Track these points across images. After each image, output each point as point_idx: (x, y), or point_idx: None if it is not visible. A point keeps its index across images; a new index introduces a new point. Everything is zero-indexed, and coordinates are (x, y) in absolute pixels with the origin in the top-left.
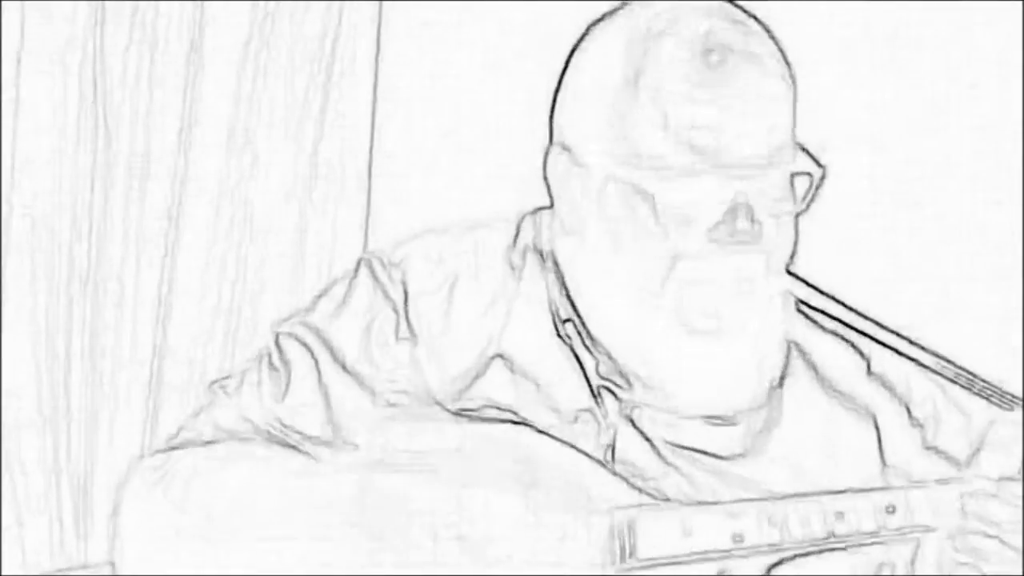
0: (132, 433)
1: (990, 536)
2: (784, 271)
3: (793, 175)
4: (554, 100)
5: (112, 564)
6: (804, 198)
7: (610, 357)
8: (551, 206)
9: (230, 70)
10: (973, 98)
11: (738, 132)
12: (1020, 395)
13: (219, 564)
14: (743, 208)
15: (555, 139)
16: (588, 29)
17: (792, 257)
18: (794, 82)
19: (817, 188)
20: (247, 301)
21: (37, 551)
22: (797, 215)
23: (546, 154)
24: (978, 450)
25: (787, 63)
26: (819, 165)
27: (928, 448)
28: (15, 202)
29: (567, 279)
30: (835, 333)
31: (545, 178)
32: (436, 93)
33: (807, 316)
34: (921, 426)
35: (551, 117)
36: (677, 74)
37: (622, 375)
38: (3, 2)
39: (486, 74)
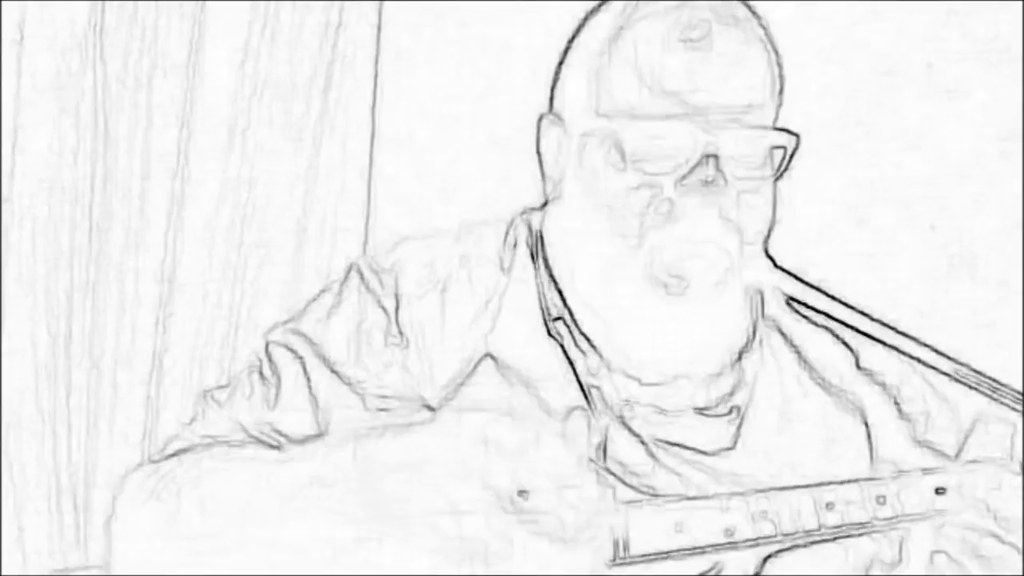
0: (132, 433)
1: (990, 534)
2: (761, 257)
3: (772, 148)
4: (554, 82)
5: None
6: (778, 167)
7: (596, 351)
8: (543, 206)
9: (230, 70)
10: (973, 96)
11: (711, 80)
12: (1015, 387)
13: (214, 568)
14: (712, 158)
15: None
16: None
17: (767, 240)
18: (781, 75)
19: (791, 157)
20: (247, 301)
21: (37, 551)
22: (775, 198)
23: (538, 125)
24: (965, 441)
25: (776, 54)
26: (792, 134)
27: (919, 442)
28: (15, 202)
29: (556, 273)
30: (825, 328)
31: (538, 152)
32: (436, 93)
33: (797, 311)
34: (911, 420)
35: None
36: (657, 28)
37: (608, 368)
38: (3, 2)
39: (486, 74)
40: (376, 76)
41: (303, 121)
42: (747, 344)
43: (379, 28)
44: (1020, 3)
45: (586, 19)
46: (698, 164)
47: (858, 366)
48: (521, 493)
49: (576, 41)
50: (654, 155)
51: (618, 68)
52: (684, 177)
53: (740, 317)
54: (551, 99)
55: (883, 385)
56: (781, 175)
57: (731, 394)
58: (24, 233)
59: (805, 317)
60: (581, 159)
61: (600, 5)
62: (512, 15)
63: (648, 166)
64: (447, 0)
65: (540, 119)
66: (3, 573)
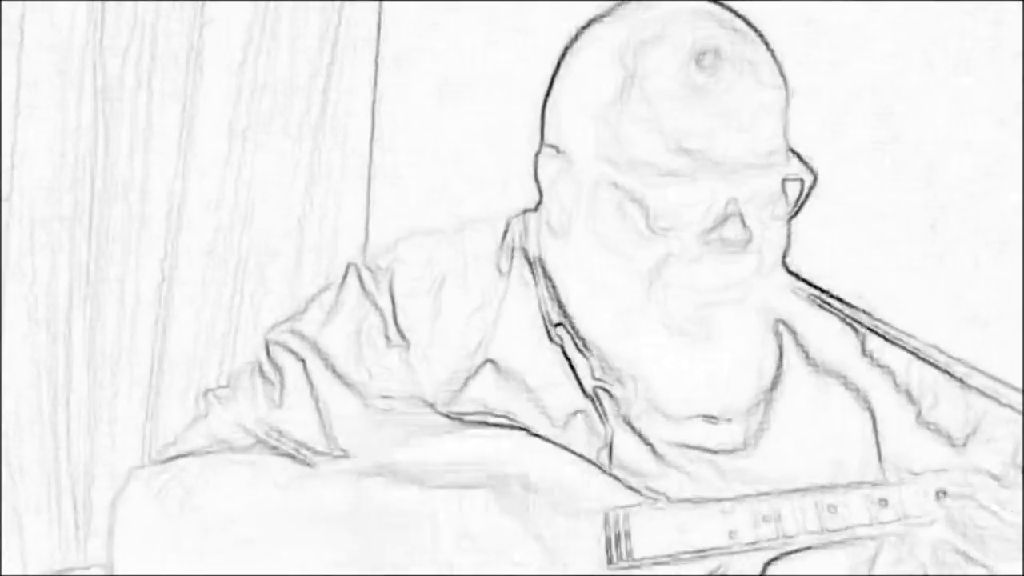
0: (132, 433)
1: (990, 513)
2: (776, 270)
3: (785, 180)
4: (545, 102)
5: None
6: (795, 203)
7: (603, 359)
8: (537, 207)
9: (230, 70)
10: (973, 96)
11: (731, 137)
12: (1019, 392)
13: (216, 571)
14: (735, 216)
15: (546, 140)
16: (579, 33)
17: (784, 256)
18: (786, 85)
19: (808, 193)
20: (247, 301)
21: (37, 551)
22: (789, 219)
23: (537, 155)
24: (972, 435)
25: (778, 66)
26: (811, 171)
27: (923, 423)
28: (15, 202)
29: (557, 282)
30: (829, 311)
31: (536, 179)
32: (436, 93)
33: (801, 296)
34: (917, 403)
35: (542, 118)
36: (669, 79)
37: (616, 376)
38: (3, 2)
39: (486, 75)
40: (376, 76)
41: (303, 121)
42: (778, 372)
43: (379, 28)
44: (1020, 3)
45: (574, 39)
46: (720, 221)
47: (863, 351)
48: None
49: (568, 70)
50: (677, 215)
51: (633, 122)
52: (708, 231)
53: (769, 350)
54: (542, 124)
55: (889, 369)
56: (799, 210)
57: (765, 423)
58: (24, 233)
59: (811, 300)
60: (593, 207)
61: (591, 23)
62: (512, 16)
63: (669, 224)
64: (447, 0)
65: (538, 151)
66: (3, 573)
